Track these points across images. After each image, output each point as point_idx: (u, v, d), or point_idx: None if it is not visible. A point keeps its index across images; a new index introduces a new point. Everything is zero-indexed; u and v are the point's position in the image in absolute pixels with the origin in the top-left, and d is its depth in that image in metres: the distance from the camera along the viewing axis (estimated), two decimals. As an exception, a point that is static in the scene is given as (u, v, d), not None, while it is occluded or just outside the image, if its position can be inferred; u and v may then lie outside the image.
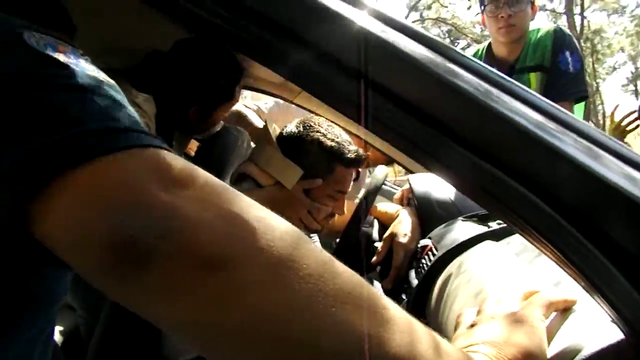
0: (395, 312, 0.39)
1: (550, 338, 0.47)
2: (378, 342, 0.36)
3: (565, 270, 0.44)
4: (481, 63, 0.50)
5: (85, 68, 0.41)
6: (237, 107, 1.82)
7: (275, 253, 0.35)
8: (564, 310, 0.51)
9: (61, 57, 0.40)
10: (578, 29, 17.59)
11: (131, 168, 0.35)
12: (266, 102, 2.05)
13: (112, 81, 0.43)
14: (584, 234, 0.40)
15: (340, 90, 0.44)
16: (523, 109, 0.46)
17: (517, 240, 0.92)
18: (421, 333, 0.39)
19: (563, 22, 18.67)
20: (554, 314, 0.50)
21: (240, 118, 1.76)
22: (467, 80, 0.44)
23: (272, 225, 0.37)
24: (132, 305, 0.35)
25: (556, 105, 0.48)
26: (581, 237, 0.39)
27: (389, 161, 1.89)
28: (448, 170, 0.45)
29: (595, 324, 0.47)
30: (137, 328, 1.33)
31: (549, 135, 0.44)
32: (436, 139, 0.43)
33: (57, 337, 1.75)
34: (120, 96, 0.42)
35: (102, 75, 0.43)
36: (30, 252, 0.37)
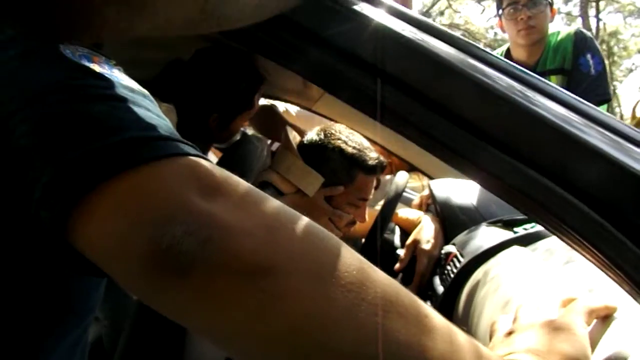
0: (437, 320, 0.38)
1: (593, 346, 0.46)
2: (421, 349, 0.35)
3: (605, 273, 0.43)
4: (504, 59, 0.49)
5: (120, 78, 0.42)
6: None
7: (317, 261, 0.35)
8: (605, 317, 0.49)
9: (97, 68, 0.41)
10: (594, 31, 17.40)
11: (170, 176, 0.35)
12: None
13: (145, 90, 0.44)
14: (623, 232, 0.38)
15: (362, 88, 0.44)
16: (548, 103, 0.45)
17: (544, 246, 0.90)
18: (462, 341, 0.39)
19: (578, 25, 18.49)
20: (595, 321, 0.49)
21: (271, 111, 1.77)
22: (494, 77, 0.43)
23: (312, 232, 0.37)
24: (174, 314, 0.35)
25: (581, 99, 0.47)
26: (621, 235, 0.38)
27: (411, 168, 1.88)
28: (479, 171, 0.44)
29: (639, 330, 0.46)
30: (161, 338, 1.33)
31: (580, 131, 0.42)
32: (465, 138, 0.42)
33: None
34: (154, 105, 0.42)
35: (135, 85, 0.43)
36: (71, 261, 0.37)
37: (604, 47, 18.54)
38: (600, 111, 0.46)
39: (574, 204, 0.40)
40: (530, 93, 0.46)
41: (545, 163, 0.43)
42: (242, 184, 0.38)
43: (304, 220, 0.38)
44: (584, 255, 0.44)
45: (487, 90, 0.44)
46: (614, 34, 19.49)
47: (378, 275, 0.37)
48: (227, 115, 1.35)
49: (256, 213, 0.36)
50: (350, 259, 0.36)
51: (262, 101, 2.13)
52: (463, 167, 0.46)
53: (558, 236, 0.46)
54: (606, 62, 2.10)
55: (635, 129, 0.46)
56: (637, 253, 0.38)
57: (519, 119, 0.43)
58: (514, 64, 0.49)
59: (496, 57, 0.49)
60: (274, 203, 0.38)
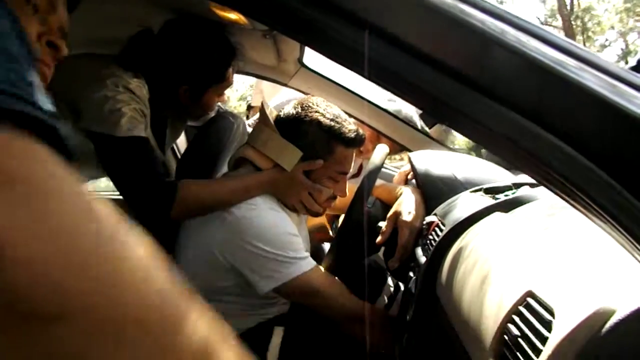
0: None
1: (581, 299, 0.44)
2: None
3: (600, 226, 0.41)
4: (498, 6, 0.46)
5: None
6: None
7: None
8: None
9: None
10: (568, 7, 17.52)
11: None
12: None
13: None
14: (618, 180, 0.37)
15: (348, 42, 0.41)
16: (543, 47, 0.42)
17: (524, 212, 0.89)
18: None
19: (553, 2, 18.61)
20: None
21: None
22: (487, 23, 0.41)
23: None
24: None
25: (573, 42, 0.45)
26: (615, 183, 0.36)
27: (401, 149, 1.86)
28: (471, 122, 0.42)
29: (628, 286, 0.44)
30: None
31: (575, 74, 0.40)
32: (454, 87, 0.39)
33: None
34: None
35: None
36: None
37: (579, 22, 18.71)
38: (595, 54, 0.44)
39: (561, 149, 0.38)
40: (525, 37, 0.43)
41: (536, 108, 0.40)
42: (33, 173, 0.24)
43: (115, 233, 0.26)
44: (573, 205, 0.43)
45: (478, 36, 0.41)
46: (587, 10, 19.66)
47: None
48: (198, 88, 1.30)
49: (51, 227, 0.23)
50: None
51: (238, 78, 2.07)
52: (452, 119, 0.43)
53: (548, 187, 0.44)
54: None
55: (631, 71, 0.44)
56: (630, 199, 0.36)
57: (513, 63, 0.41)
58: (508, 10, 0.46)
59: (489, 3, 0.47)
60: (80, 203, 0.26)
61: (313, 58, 1.75)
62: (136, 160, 1.16)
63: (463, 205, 1.05)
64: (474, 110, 0.40)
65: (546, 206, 0.85)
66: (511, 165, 0.48)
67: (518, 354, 0.49)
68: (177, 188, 1.16)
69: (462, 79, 0.40)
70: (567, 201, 0.46)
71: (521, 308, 0.54)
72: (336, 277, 1.23)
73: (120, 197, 1.20)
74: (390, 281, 1.54)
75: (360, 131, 1.26)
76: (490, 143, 0.46)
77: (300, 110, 1.24)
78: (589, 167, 0.37)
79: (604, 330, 0.41)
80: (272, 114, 1.29)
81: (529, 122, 0.39)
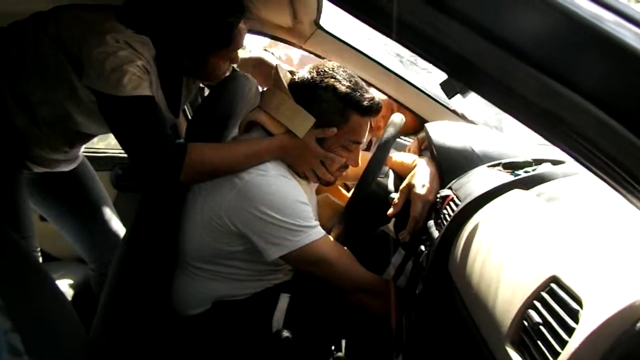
0: None
1: (613, 289, 0.41)
2: None
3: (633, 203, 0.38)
4: None
5: None
6: (260, 53, 1.70)
7: None
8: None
9: None
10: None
11: None
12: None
13: None
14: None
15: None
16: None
17: (547, 189, 0.86)
18: None
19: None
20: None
21: (261, 63, 1.63)
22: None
23: None
24: None
25: None
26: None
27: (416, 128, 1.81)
28: (500, 86, 0.38)
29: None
30: (147, 281, 1.30)
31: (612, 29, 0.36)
32: (484, 47, 0.35)
33: (69, 290, 1.74)
34: None
35: None
36: None
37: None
38: (633, 9, 0.40)
39: (597, 117, 0.34)
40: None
41: (568, 68, 0.36)
42: None
43: None
44: (605, 179, 0.39)
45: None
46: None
47: None
48: (197, 53, 1.21)
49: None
50: None
51: (252, 38, 1.98)
52: (478, 82, 0.39)
53: (577, 158, 0.40)
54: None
55: None
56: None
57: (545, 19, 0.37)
58: None
59: None
60: None
61: (330, 20, 1.68)
62: (141, 121, 1.12)
63: (480, 180, 1.01)
64: (501, 71, 0.36)
65: (570, 185, 0.82)
66: (535, 133, 0.44)
67: (539, 342, 0.47)
68: (186, 150, 1.12)
69: (490, 36, 0.36)
70: (599, 175, 0.42)
71: (544, 294, 0.51)
72: (345, 247, 1.22)
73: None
74: (398, 253, 1.52)
75: (377, 99, 1.21)
76: (516, 109, 0.42)
77: (315, 75, 1.20)
78: (624, 136, 0.33)
79: (639, 324, 0.38)
80: (286, 77, 1.25)
81: (559, 85, 0.35)
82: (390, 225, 1.34)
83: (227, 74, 1.35)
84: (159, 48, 1.18)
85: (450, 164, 1.20)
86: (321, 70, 1.20)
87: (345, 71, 1.22)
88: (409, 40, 0.44)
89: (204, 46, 1.20)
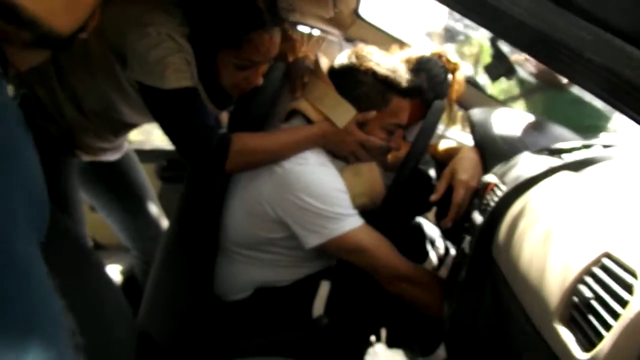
0: None
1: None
2: None
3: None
4: None
5: None
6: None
7: None
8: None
9: None
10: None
11: None
12: None
13: None
14: None
15: None
16: None
17: (597, 172, 0.82)
18: None
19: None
20: None
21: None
22: None
23: None
24: None
25: None
26: None
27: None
28: (571, 53, 0.36)
29: None
30: (191, 267, 1.34)
31: None
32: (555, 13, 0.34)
33: (116, 277, 1.81)
34: None
35: None
36: None
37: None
38: None
39: None
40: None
41: None
42: None
43: None
44: None
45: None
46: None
47: None
48: (207, 45, 1.16)
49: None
50: None
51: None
52: (548, 51, 0.38)
53: None
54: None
55: None
56: None
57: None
58: None
59: None
60: None
61: (369, 10, 1.67)
62: (186, 112, 1.14)
63: (526, 165, 0.98)
64: (573, 38, 0.35)
65: (624, 166, 0.78)
66: (607, 102, 0.41)
67: (591, 317, 0.45)
68: (231, 141, 1.14)
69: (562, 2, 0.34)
70: None
71: (595, 269, 0.49)
72: (384, 236, 1.20)
73: None
74: (440, 243, 1.50)
75: (417, 80, 1.20)
76: (587, 77, 0.40)
77: (354, 60, 1.19)
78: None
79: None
80: (324, 65, 1.25)
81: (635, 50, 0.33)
82: (432, 213, 1.32)
83: (241, 91, 1.27)
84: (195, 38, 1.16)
85: (493, 151, 1.17)
86: (360, 55, 1.20)
87: (384, 54, 1.22)
88: (472, 12, 0.43)
89: (211, 38, 1.15)
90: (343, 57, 1.22)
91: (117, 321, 0.99)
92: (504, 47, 1.62)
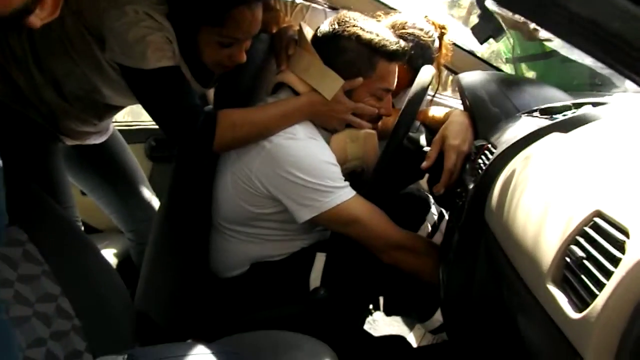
0: None
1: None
2: None
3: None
4: None
5: None
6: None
7: None
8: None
9: None
10: None
11: None
12: None
13: None
14: None
15: None
16: None
17: (587, 132, 0.81)
18: None
19: None
20: None
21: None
22: None
23: None
24: None
25: None
26: None
27: None
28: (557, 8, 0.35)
29: None
30: (184, 246, 1.33)
31: None
32: None
33: (112, 260, 1.80)
34: None
35: None
36: None
37: None
38: None
39: None
40: None
41: None
42: None
43: None
44: None
45: None
46: None
47: None
48: (188, 21, 1.12)
49: None
50: None
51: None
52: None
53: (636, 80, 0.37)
54: None
55: None
56: None
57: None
58: None
59: None
60: None
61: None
62: (169, 92, 1.11)
63: (516, 127, 0.97)
64: None
65: (614, 125, 0.77)
66: (597, 59, 0.40)
67: (583, 276, 0.45)
68: (217, 118, 1.12)
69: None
70: None
71: (587, 229, 0.48)
72: (376, 206, 1.20)
73: None
74: (433, 209, 1.50)
75: (403, 43, 1.17)
76: (574, 32, 0.39)
77: (337, 27, 1.17)
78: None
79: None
80: (308, 34, 1.22)
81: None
82: (424, 180, 1.32)
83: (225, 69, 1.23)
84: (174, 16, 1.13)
85: (483, 114, 1.16)
86: (342, 20, 1.17)
87: (367, 19, 1.19)
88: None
89: (191, 14, 1.11)
90: (325, 25, 1.19)
91: (113, 300, 1.00)
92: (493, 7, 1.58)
